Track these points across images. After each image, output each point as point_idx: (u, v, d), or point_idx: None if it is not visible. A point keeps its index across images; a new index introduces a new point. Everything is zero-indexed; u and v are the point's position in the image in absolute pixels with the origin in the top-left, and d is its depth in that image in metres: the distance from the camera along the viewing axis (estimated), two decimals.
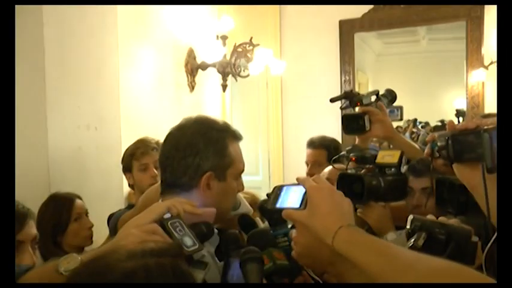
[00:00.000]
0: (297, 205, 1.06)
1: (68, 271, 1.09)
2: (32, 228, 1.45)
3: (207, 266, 1.13)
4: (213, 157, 1.30)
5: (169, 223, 1.11)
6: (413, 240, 1.09)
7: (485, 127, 1.04)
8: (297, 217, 1.03)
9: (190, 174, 1.29)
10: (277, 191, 1.16)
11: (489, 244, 0.98)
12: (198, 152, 1.29)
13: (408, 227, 1.13)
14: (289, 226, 1.34)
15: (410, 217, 1.12)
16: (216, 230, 1.34)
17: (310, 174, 2.75)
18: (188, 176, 1.29)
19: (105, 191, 2.63)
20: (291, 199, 1.11)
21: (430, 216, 1.13)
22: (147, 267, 0.70)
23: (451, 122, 1.12)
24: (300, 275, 1.21)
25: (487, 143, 1.01)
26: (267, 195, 1.87)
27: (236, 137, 1.38)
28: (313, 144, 2.86)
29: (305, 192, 1.05)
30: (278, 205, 1.13)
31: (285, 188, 1.15)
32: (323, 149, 2.81)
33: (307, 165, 2.87)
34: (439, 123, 4.49)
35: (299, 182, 1.08)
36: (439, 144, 1.13)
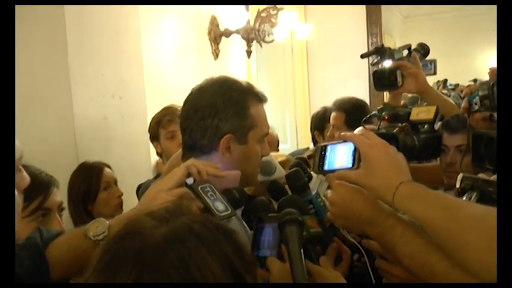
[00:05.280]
0: (350, 164, 0.99)
1: (97, 236, 1.08)
2: (56, 196, 1.44)
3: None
4: (233, 118, 1.24)
5: (199, 187, 1.07)
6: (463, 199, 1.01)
7: None
8: (354, 177, 0.98)
9: (209, 136, 1.25)
10: (320, 151, 1.09)
11: None
12: (217, 112, 1.24)
13: (458, 186, 1.05)
14: (313, 193, 1.29)
15: (460, 175, 1.04)
16: None
17: (329, 136, 2.69)
18: (207, 138, 1.25)
19: (132, 161, 2.64)
20: (339, 159, 1.04)
21: (481, 175, 1.05)
22: (189, 225, 0.64)
23: (494, 69, 1.03)
24: (332, 242, 1.15)
25: None
26: (297, 158, 1.82)
27: (260, 98, 1.31)
28: (334, 105, 2.75)
29: (354, 149, 0.99)
30: (326, 167, 1.06)
31: (329, 147, 1.08)
32: (341, 112, 2.69)
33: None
34: (472, 83, 4.31)
35: (346, 138, 1.01)
36: (480, 93, 1.05)
